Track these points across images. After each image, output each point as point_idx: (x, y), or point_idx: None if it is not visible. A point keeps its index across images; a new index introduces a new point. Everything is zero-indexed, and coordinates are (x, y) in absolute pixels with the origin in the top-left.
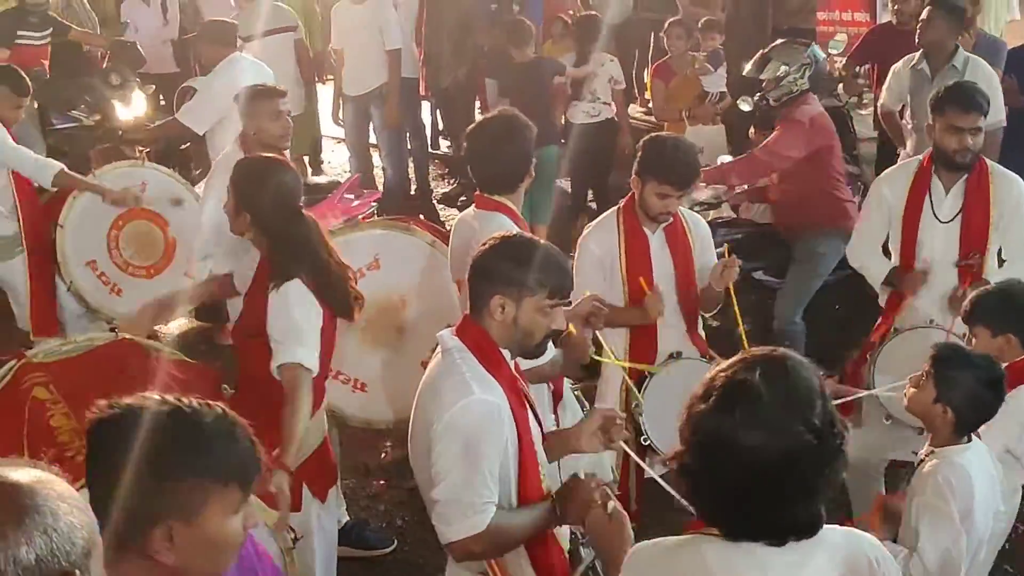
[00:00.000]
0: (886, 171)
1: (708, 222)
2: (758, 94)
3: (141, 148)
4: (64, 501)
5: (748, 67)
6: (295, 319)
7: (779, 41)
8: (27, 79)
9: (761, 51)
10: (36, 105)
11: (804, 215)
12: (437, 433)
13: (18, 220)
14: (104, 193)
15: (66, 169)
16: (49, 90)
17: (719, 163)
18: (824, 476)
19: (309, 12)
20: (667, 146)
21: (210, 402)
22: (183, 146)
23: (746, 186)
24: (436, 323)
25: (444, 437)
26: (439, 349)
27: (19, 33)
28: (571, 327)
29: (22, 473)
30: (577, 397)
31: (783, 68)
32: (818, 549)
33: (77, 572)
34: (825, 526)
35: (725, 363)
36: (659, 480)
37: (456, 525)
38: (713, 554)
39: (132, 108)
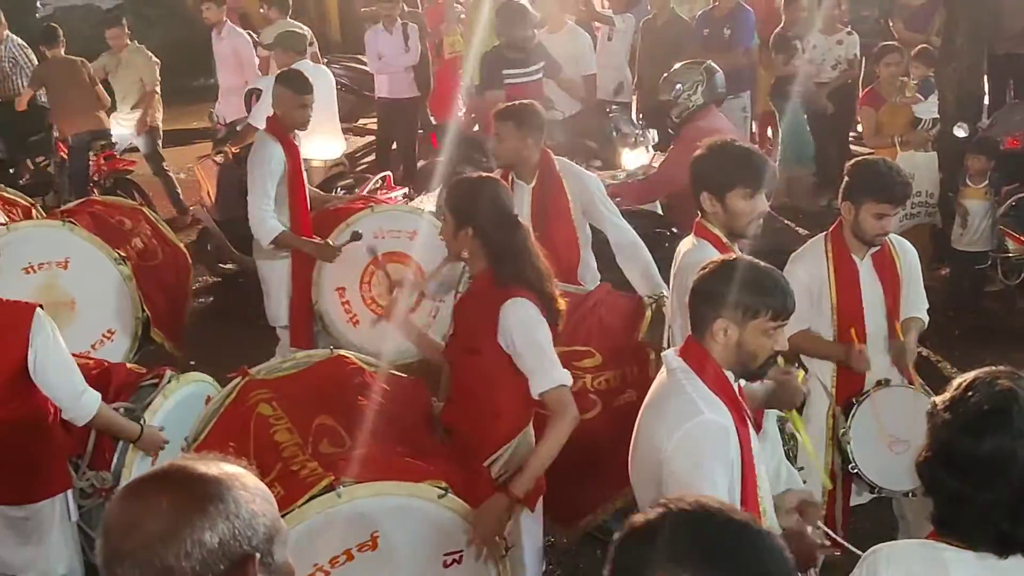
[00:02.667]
0: None
1: None
2: (666, 116)
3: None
4: (248, 491)
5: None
6: (540, 343)
7: (679, 64)
8: (309, 80)
9: (664, 74)
10: None
11: (681, 217)
12: (667, 454)
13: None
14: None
15: (283, 234)
16: None
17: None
18: None
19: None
20: (879, 165)
21: None
22: None
23: None
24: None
25: (675, 458)
26: (663, 369)
27: (504, 72)
28: (781, 361)
29: (211, 466)
30: (781, 429)
31: (678, 87)
32: None
33: (258, 555)
34: None
35: (963, 383)
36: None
37: None
38: (955, 562)
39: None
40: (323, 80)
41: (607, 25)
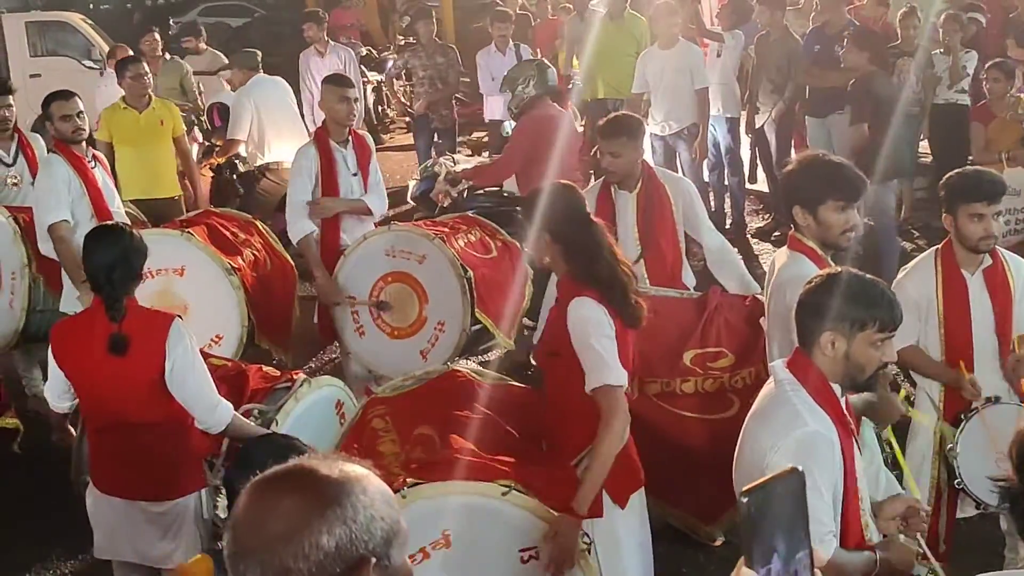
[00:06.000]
0: None
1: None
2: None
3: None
4: (367, 495)
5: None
6: (592, 342)
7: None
8: (348, 77)
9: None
10: None
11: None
12: (771, 464)
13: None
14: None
15: (313, 237)
16: None
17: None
18: None
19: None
20: (966, 171)
21: None
22: None
23: None
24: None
25: (779, 467)
26: (770, 379)
27: None
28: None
29: (334, 468)
30: (877, 436)
31: (512, 82)
32: None
33: (374, 559)
34: None
35: None
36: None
37: None
38: None
39: None
40: (282, 91)
41: (717, 42)
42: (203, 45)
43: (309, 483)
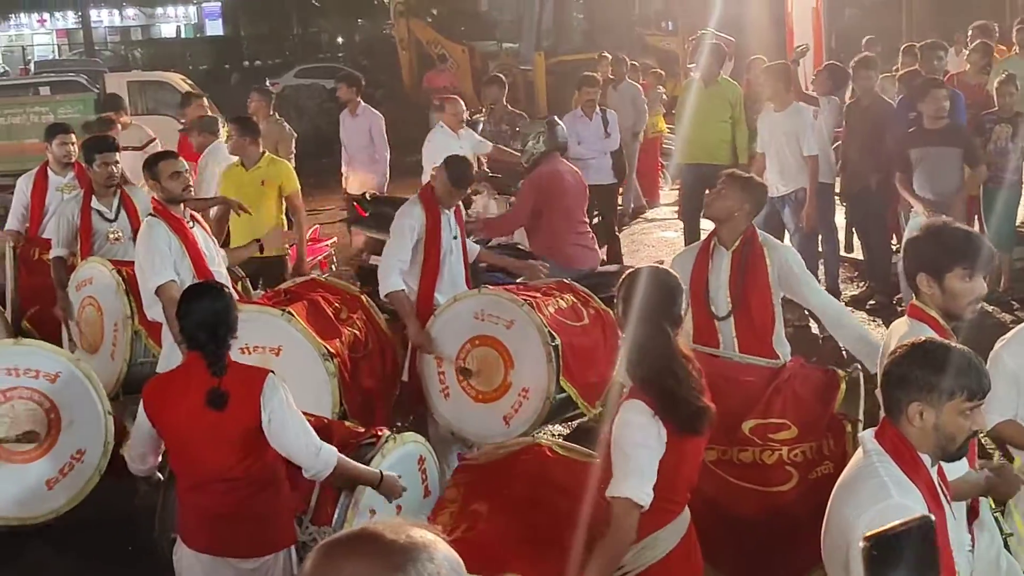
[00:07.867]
0: None
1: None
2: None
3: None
4: (434, 562)
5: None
6: (626, 449)
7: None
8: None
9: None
10: None
11: (536, 247)
12: (855, 536)
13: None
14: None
15: (398, 293)
16: None
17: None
18: None
19: (737, 118)
20: None
21: None
22: None
23: None
24: None
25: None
26: (859, 449)
27: None
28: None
29: (401, 532)
30: (996, 520)
31: (524, 138)
32: None
33: None
34: None
35: None
36: None
37: None
38: None
39: None
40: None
41: (813, 106)
42: (127, 118)
43: (374, 548)
